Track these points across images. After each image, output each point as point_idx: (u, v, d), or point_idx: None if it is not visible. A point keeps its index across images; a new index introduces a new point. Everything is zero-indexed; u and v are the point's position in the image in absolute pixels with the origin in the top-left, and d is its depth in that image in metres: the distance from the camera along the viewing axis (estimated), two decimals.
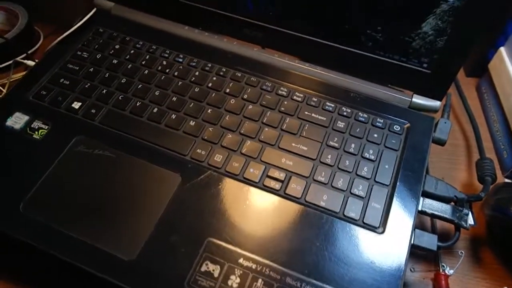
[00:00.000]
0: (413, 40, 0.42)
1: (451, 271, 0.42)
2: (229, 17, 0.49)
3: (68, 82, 0.47)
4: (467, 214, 0.40)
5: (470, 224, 0.40)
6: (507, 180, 0.49)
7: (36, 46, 0.59)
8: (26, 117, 0.44)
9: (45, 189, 0.39)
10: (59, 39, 0.51)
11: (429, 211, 0.40)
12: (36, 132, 0.43)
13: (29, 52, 0.57)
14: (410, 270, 0.42)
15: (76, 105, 0.45)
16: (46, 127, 0.43)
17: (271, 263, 0.35)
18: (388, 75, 0.47)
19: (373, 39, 0.44)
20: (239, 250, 0.36)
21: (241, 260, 0.36)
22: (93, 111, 0.45)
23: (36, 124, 0.43)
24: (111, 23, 0.53)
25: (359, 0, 0.42)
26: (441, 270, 0.42)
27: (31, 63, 0.53)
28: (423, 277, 0.42)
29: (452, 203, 0.41)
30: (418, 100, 0.46)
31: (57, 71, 0.48)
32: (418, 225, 0.45)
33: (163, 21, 0.53)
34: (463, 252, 0.44)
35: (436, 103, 0.46)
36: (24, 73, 0.54)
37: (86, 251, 0.36)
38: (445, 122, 0.45)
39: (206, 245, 0.36)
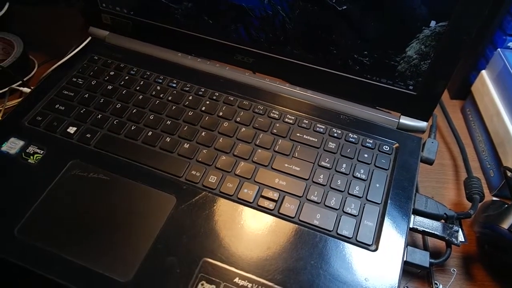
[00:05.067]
0: (398, 64, 0.44)
1: None
2: (221, 44, 0.51)
3: (63, 108, 0.48)
4: (457, 231, 0.41)
5: (460, 241, 0.41)
6: (494, 198, 0.50)
7: (31, 74, 0.60)
8: (22, 142, 0.44)
9: (40, 213, 0.39)
10: (55, 66, 0.52)
11: (420, 228, 0.41)
12: (31, 157, 0.43)
13: (25, 79, 0.57)
14: None
15: (71, 130, 0.46)
16: (41, 151, 0.44)
17: (266, 282, 0.36)
18: (375, 97, 0.48)
19: (360, 63, 0.46)
20: (234, 270, 0.36)
21: (236, 279, 0.36)
22: (88, 135, 0.45)
23: (31, 149, 0.44)
24: (106, 51, 0.55)
25: (346, 27, 0.44)
26: None
27: (26, 90, 0.54)
28: None
29: (442, 221, 0.42)
30: (406, 121, 0.48)
31: (53, 97, 0.49)
32: (410, 243, 0.45)
33: (157, 48, 0.55)
34: (455, 270, 0.44)
35: (423, 124, 0.48)
36: (19, 100, 0.54)
37: (82, 273, 0.36)
38: (432, 142, 0.47)
39: (201, 265, 0.36)
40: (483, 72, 0.56)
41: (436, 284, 0.42)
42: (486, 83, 0.55)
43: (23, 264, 0.36)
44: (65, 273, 0.36)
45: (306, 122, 0.48)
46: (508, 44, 0.53)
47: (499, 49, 0.53)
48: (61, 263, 0.36)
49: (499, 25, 0.54)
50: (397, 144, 0.46)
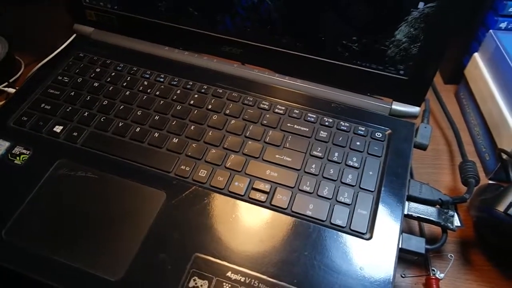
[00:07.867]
0: (388, 48, 0.43)
1: (442, 275, 0.42)
2: (208, 36, 0.50)
3: (49, 107, 0.47)
4: (453, 216, 0.40)
5: (456, 226, 0.40)
6: (491, 182, 0.50)
7: (18, 75, 0.59)
8: (7, 143, 0.43)
9: (28, 214, 0.39)
10: (39, 65, 0.51)
11: (415, 215, 0.40)
12: (18, 158, 0.42)
13: (11, 80, 0.56)
14: (401, 276, 0.42)
15: (58, 128, 0.45)
16: (28, 152, 0.43)
17: (260, 275, 0.35)
18: (366, 84, 0.47)
19: (349, 49, 0.45)
20: (227, 264, 0.36)
21: (229, 274, 0.35)
22: (75, 134, 0.45)
23: (17, 149, 0.43)
24: (92, 48, 0.54)
25: (333, 12, 0.43)
26: (431, 275, 0.41)
27: (12, 90, 0.53)
28: (414, 282, 0.42)
29: (438, 206, 0.41)
30: (398, 107, 0.47)
31: (38, 96, 0.48)
32: (406, 230, 0.45)
33: (143, 42, 0.54)
34: (452, 255, 0.43)
35: (415, 109, 0.47)
36: (4, 101, 0.54)
37: (71, 274, 0.35)
38: (425, 127, 0.46)
39: (193, 261, 0.36)
40: (476, 54, 0.55)
41: (433, 270, 0.42)
42: (479, 66, 0.54)
43: (11, 266, 0.35)
44: (54, 274, 0.35)
45: (297, 112, 0.47)
46: (500, 25, 0.52)
47: (491, 30, 0.52)
48: (49, 264, 0.35)
49: (490, 5, 0.53)
50: (389, 131, 0.46)
